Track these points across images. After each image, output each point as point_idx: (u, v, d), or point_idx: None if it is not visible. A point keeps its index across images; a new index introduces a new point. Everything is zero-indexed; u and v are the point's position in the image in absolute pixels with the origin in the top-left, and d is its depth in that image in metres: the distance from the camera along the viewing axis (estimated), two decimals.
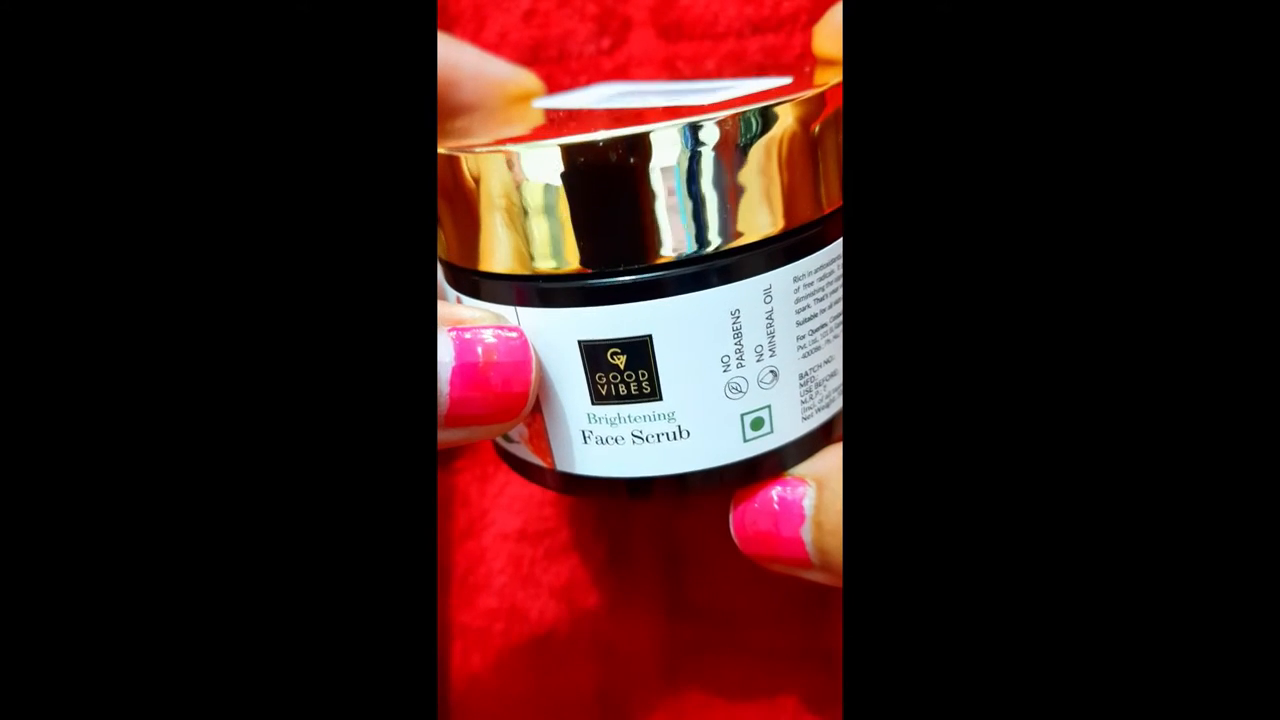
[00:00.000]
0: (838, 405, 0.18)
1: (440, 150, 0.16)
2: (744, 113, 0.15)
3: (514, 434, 0.18)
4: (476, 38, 0.25)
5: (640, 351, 0.15)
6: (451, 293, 0.18)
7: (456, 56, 0.20)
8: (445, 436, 0.16)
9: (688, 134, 0.14)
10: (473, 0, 0.25)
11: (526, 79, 0.21)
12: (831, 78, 0.17)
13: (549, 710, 0.26)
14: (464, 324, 0.16)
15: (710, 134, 0.14)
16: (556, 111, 0.18)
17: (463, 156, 0.15)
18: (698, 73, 0.21)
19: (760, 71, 0.19)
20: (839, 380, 0.18)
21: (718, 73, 0.23)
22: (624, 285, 0.15)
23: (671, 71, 0.24)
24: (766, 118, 0.15)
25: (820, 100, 0.15)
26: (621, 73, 0.24)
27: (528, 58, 0.25)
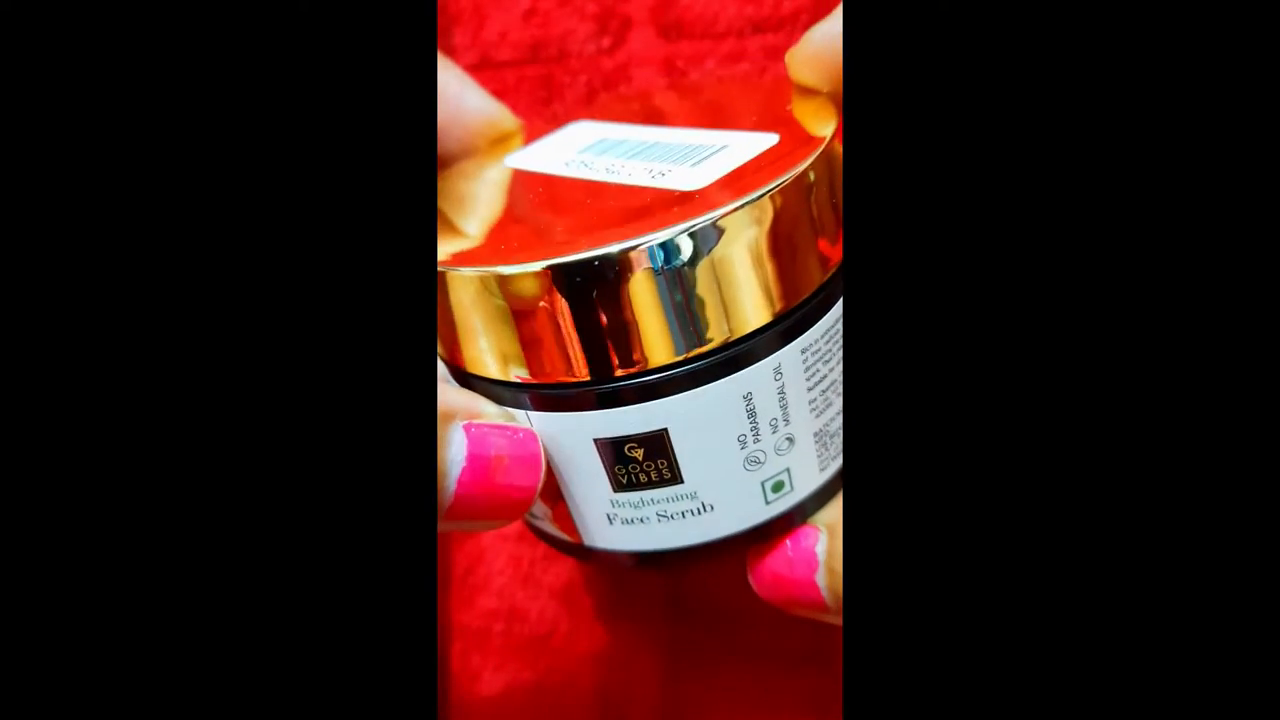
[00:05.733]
0: None
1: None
2: (724, 217, 0.14)
3: (539, 512, 0.18)
4: (477, 37, 0.25)
5: (657, 444, 0.16)
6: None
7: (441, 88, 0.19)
8: (441, 527, 0.16)
9: (670, 249, 0.14)
10: (473, 0, 0.25)
11: (503, 118, 0.21)
12: (812, 116, 0.17)
13: (549, 710, 0.26)
14: (479, 419, 0.16)
15: (691, 245, 0.14)
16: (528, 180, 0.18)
17: (449, 275, 0.15)
18: (685, 93, 0.21)
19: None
20: None
21: (715, 72, 0.23)
22: (634, 388, 0.15)
23: (670, 71, 0.24)
24: (750, 215, 0.14)
25: (805, 180, 0.15)
26: (622, 72, 0.24)
27: (527, 56, 0.25)
